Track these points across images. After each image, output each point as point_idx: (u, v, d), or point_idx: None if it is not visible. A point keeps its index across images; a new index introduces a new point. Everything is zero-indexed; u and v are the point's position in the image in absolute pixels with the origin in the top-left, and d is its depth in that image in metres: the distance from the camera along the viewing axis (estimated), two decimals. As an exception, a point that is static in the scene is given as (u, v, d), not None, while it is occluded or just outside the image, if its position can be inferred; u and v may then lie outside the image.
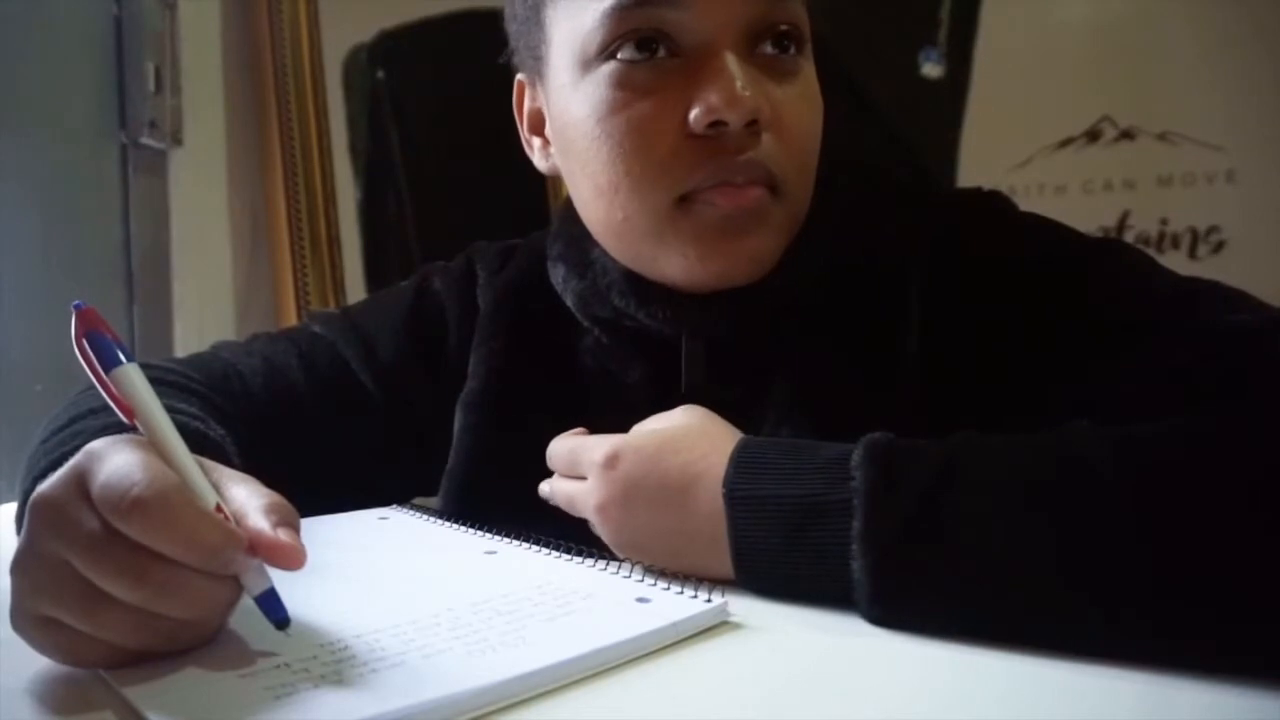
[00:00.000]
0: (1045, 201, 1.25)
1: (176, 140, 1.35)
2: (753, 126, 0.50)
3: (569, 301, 0.62)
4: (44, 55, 1.23)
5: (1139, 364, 0.47)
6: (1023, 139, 1.29)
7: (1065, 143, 1.28)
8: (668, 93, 0.51)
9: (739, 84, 0.49)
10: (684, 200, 0.52)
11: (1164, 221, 1.25)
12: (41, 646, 0.34)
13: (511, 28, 0.62)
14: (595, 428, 0.53)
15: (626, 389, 0.60)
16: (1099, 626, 0.35)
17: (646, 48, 0.51)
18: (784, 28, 0.52)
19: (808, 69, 0.55)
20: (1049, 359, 0.50)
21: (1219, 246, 1.23)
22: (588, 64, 0.53)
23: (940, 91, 1.34)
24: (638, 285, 0.57)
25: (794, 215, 0.55)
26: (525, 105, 0.62)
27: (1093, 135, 1.27)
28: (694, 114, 0.50)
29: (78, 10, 1.29)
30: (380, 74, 1.55)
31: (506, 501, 0.58)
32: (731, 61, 0.50)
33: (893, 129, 1.37)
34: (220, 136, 1.40)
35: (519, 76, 0.62)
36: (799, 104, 0.53)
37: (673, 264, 0.54)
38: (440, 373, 0.66)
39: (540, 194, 1.57)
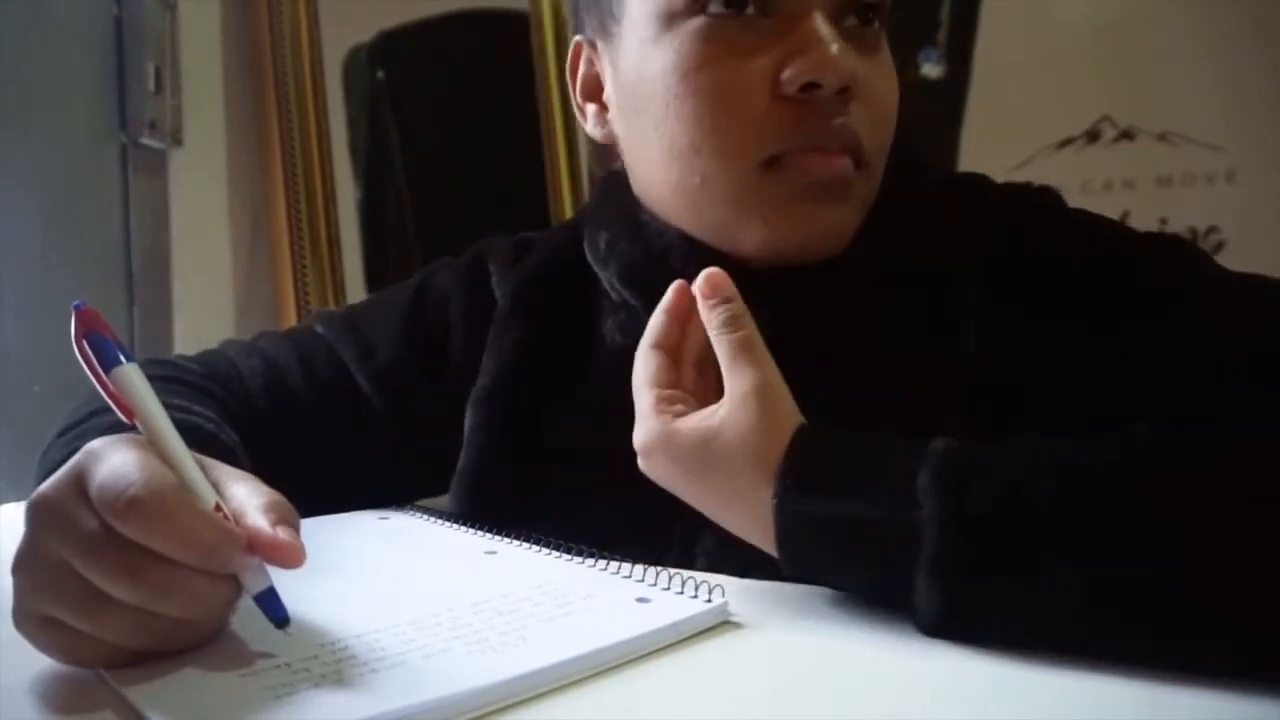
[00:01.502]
0: (1045, 201, 1.25)
1: (176, 140, 1.35)
2: (845, 93, 0.49)
3: (611, 269, 0.59)
4: (44, 55, 1.23)
5: (1210, 365, 0.46)
6: (1023, 139, 1.30)
7: (1065, 143, 1.28)
8: (759, 51, 0.49)
9: (834, 48, 0.48)
10: (771, 164, 0.50)
11: (1163, 221, 1.25)
12: (42, 646, 0.34)
13: None
14: (619, 416, 0.53)
15: None
16: (1182, 640, 0.34)
17: (737, 3, 0.50)
18: (874, 1, 0.51)
19: (886, 45, 0.54)
20: (1115, 359, 0.49)
21: (1219, 246, 1.23)
22: (673, 17, 0.51)
23: (940, 91, 1.34)
24: (700, 249, 0.55)
25: (872, 192, 0.54)
26: (581, 70, 0.60)
27: (1092, 135, 1.27)
28: (787, 74, 0.48)
29: (78, 10, 1.29)
30: (380, 74, 1.55)
31: (520, 499, 0.57)
32: (824, 25, 0.49)
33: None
34: (220, 136, 1.40)
35: (577, 39, 0.61)
36: (883, 80, 0.52)
37: (751, 232, 0.52)
38: (441, 372, 0.65)
39: (540, 194, 1.57)
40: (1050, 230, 0.55)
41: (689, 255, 0.54)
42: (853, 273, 0.54)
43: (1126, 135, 1.27)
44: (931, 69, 1.35)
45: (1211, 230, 1.23)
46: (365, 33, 1.54)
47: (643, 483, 0.50)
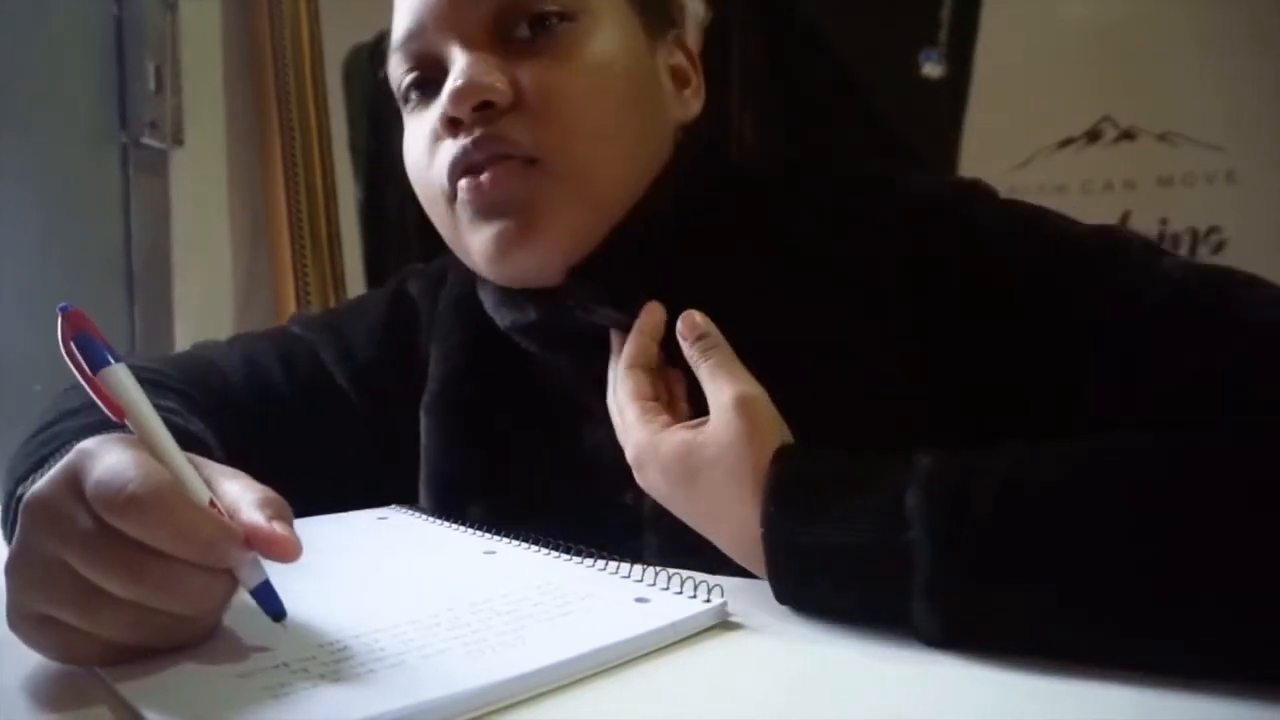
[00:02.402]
0: (1045, 202, 1.23)
1: (177, 140, 1.35)
2: (485, 110, 0.50)
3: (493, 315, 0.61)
4: (45, 55, 1.23)
5: (1167, 362, 0.44)
6: (1023, 139, 1.29)
7: (1066, 143, 1.28)
8: (432, 111, 0.53)
9: (464, 77, 0.50)
10: (452, 199, 0.53)
11: (1164, 222, 1.25)
12: (38, 645, 0.34)
13: None
14: (559, 426, 0.53)
15: (571, 384, 0.58)
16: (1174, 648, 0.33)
17: (423, 81, 0.54)
18: (536, 11, 0.52)
19: (585, 38, 0.53)
20: (1066, 362, 0.47)
21: (1219, 246, 1.23)
22: (403, 110, 0.57)
23: (940, 91, 1.34)
24: (505, 291, 0.57)
25: (578, 186, 0.52)
26: None
27: (1093, 135, 1.27)
28: (434, 121, 0.52)
29: (78, 10, 1.29)
30: (381, 74, 1.55)
31: (483, 503, 0.57)
32: (460, 57, 0.51)
33: (896, 131, 1.37)
34: (221, 136, 1.41)
35: None
36: (563, 77, 0.52)
37: (479, 265, 0.55)
38: (413, 378, 0.65)
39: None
40: (976, 232, 0.52)
41: (497, 301, 0.57)
42: (727, 277, 0.53)
43: (1127, 135, 1.26)
44: (932, 69, 1.35)
45: (1212, 230, 1.23)
46: (366, 32, 1.54)
47: (589, 488, 0.50)
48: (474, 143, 0.51)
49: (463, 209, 0.53)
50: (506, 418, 0.60)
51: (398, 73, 0.56)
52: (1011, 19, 1.33)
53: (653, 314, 0.51)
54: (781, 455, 0.42)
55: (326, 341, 0.67)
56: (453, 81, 0.50)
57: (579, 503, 0.53)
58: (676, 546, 0.47)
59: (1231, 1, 1.23)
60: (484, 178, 0.51)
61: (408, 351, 0.67)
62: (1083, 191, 1.26)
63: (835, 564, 0.39)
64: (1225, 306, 0.45)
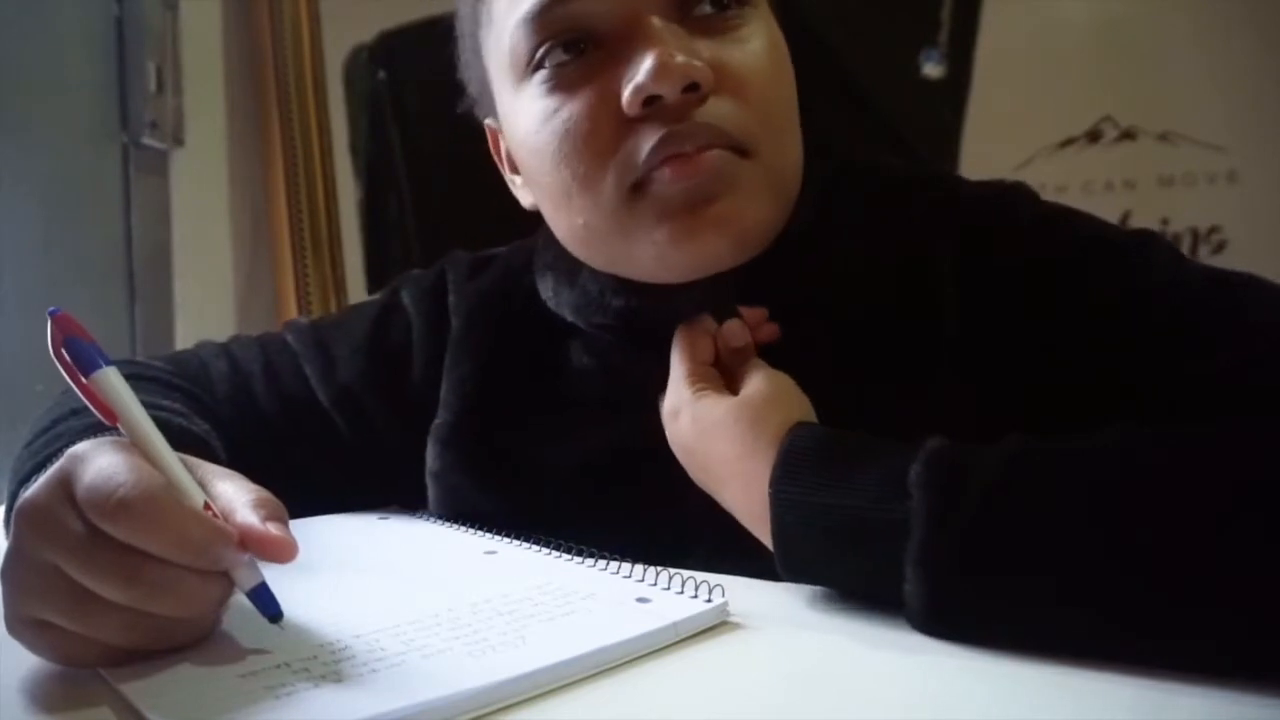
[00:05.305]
0: (1046, 201, 1.24)
1: (178, 140, 1.35)
2: (694, 90, 0.47)
3: (565, 312, 0.59)
4: (45, 55, 1.23)
5: (1185, 364, 0.45)
6: (1023, 139, 1.29)
7: (1066, 143, 1.28)
8: (599, 83, 0.49)
9: (668, 53, 0.46)
10: (638, 187, 0.49)
11: (1165, 222, 1.25)
12: (35, 648, 0.34)
13: (467, 74, 0.61)
14: (594, 436, 0.52)
15: (634, 384, 0.55)
16: (1156, 642, 0.34)
17: (572, 47, 0.50)
18: None
19: (760, 25, 0.52)
20: (1091, 358, 0.48)
21: (1220, 246, 1.23)
22: (521, 79, 0.52)
23: (940, 91, 1.34)
24: (630, 285, 0.55)
25: (774, 178, 0.51)
26: (501, 146, 0.61)
27: (1094, 135, 1.27)
28: (625, 96, 0.47)
29: (78, 10, 1.29)
30: (381, 74, 1.55)
31: (503, 526, 0.57)
32: (659, 31, 0.47)
33: (896, 131, 1.37)
34: (221, 136, 1.40)
35: (487, 122, 0.62)
36: (753, 62, 0.50)
37: (645, 255, 0.51)
38: (402, 395, 0.64)
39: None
40: (1021, 230, 0.53)
41: (620, 294, 0.55)
42: (785, 268, 0.54)
43: (1128, 135, 1.26)
44: (932, 69, 1.35)
45: (1213, 230, 1.23)
46: (366, 32, 1.54)
47: (625, 500, 0.50)
48: (686, 130, 0.47)
49: (658, 196, 0.49)
50: (532, 434, 0.59)
51: (527, 42, 0.51)
52: (1012, 19, 1.32)
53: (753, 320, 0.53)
54: (799, 426, 0.44)
55: (312, 357, 0.65)
56: (655, 58, 0.46)
57: (612, 517, 0.52)
58: (726, 550, 0.46)
59: (1233, 1, 1.23)
60: (693, 161, 0.48)
61: (397, 368, 0.64)
62: (1083, 191, 1.26)
63: (837, 527, 0.40)
64: (1246, 309, 0.46)
